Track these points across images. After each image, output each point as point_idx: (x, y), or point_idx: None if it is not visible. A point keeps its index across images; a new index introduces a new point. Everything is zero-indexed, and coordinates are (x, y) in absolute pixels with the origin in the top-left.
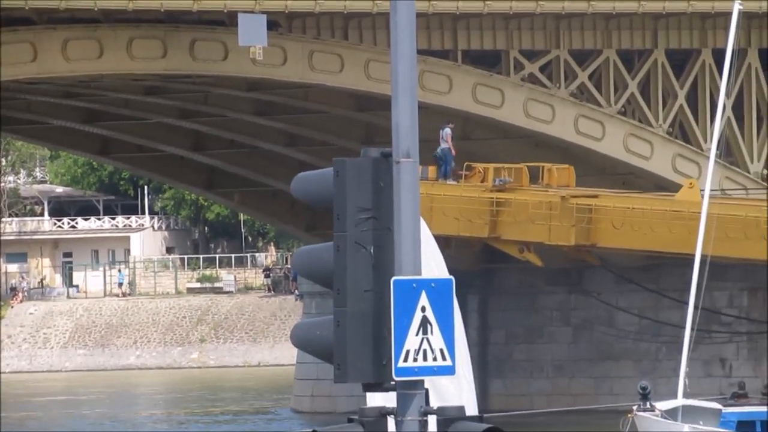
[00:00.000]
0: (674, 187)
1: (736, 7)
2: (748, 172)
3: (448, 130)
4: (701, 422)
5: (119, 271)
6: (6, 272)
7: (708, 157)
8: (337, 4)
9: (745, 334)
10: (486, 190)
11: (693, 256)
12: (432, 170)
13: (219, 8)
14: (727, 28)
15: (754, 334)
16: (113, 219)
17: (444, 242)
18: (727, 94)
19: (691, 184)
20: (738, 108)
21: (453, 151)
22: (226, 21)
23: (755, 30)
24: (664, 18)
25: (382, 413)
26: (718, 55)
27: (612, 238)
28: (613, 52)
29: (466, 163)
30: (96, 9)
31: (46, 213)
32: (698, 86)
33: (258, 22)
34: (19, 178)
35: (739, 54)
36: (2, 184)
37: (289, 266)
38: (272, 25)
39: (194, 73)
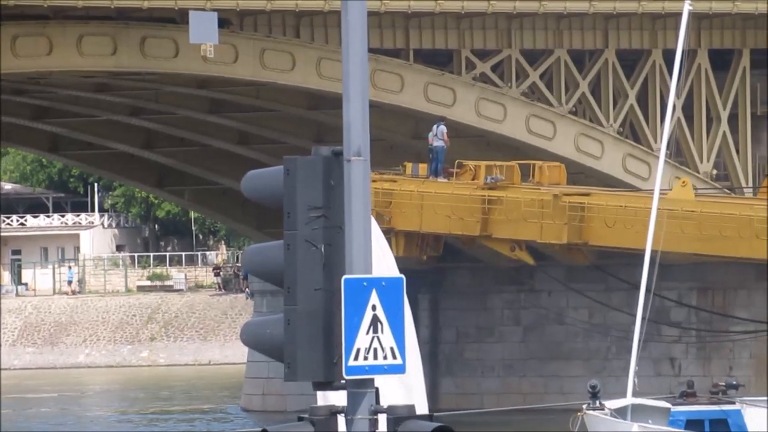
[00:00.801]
0: (624, 187)
1: (686, 8)
2: (698, 172)
3: (443, 128)
4: (650, 421)
5: (69, 268)
6: None
7: (658, 157)
8: (288, 3)
9: (694, 330)
10: (477, 188)
11: (685, 254)
12: (423, 168)
13: (170, 5)
14: (677, 29)
15: (702, 332)
16: (63, 216)
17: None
18: (677, 95)
19: (683, 182)
20: (688, 108)
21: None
22: (177, 18)
23: (705, 31)
24: (615, 18)
25: (333, 412)
26: (669, 56)
27: (604, 237)
28: (564, 52)
29: (457, 161)
30: (45, 5)
31: None
32: (648, 86)
33: (209, 20)
34: None
35: (689, 55)
36: None
37: (239, 264)
38: (223, 23)
39: (144, 71)
